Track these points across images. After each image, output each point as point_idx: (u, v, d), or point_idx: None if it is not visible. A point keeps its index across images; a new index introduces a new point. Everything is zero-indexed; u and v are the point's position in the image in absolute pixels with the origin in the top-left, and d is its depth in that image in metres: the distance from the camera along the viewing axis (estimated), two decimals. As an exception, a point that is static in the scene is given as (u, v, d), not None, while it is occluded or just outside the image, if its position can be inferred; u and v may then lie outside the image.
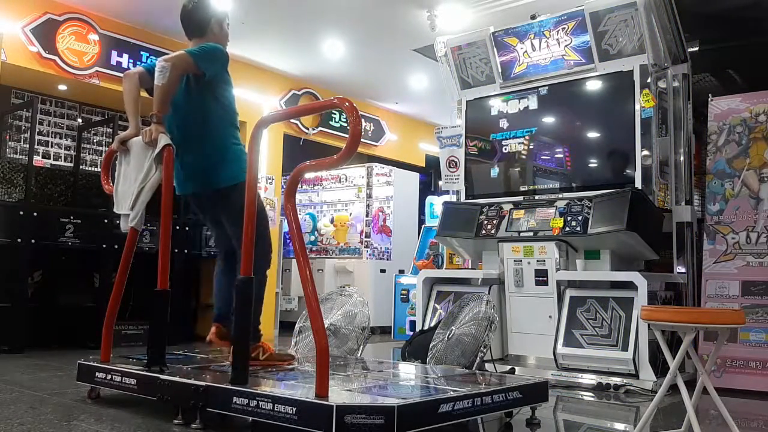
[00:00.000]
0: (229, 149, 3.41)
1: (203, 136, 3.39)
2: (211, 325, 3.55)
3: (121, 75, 3.48)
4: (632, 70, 4.43)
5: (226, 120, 3.48)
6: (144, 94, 3.45)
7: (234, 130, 3.52)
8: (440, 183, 5.75)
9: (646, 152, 4.34)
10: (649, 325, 2.75)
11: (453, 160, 5.44)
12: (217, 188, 3.37)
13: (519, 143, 4.98)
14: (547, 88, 4.88)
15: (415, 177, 9.16)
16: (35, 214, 5.19)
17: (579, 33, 4.64)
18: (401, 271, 7.96)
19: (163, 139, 3.16)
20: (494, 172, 5.11)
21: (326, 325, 3.50)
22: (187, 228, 6.08)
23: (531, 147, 4.94)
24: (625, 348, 3.99)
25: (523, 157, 4.97)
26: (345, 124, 8.11)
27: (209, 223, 3.70)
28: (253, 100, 7.12)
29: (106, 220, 5.44)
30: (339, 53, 6.83)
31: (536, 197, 4.76)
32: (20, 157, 6.32)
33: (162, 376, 2.84)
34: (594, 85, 4.70)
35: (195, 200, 3.57)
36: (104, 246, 5.41)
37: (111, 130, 6.65)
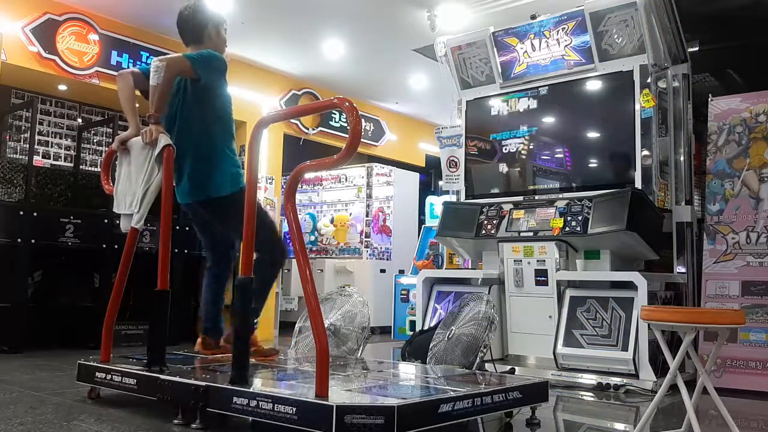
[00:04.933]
0: (223, 158, 3.42)
1: (198, 143, 3.39)
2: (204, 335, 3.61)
3: (116, 77, 3.48)
4: (632, 70, 4.43)
5: (221, 128, 3.47)
6: (138, 94, 3.45)
7: (229, 138, 3.51)
8: (440, 183, 5.75)
9: (646, 152, 4.34)
10: (649, 325, 2.75)
11: (453, 160, 5.44)
12: (212, 197, 3.39)
13: (519, 143, 4.98)
14: (547, 88, 4.88)
15: (415, 177, 9.15)
16: (35, 214, 5.19)
17: (579, 33, 4.64)
18: (401, 271, 7.96)
19: (163, 139, 3.16)
20: (494, 172, 5.12)
21: (326, 325, 3.51)
22: (187, 228, 6.07)
23: (531, 147, 4.94)
24: (625, 348, 3.99)
25: (523, 157, 4.97)
26: (345, 124, 8.11)
27: (203, 231, 3.70)
28: (252, 100, 7.12)
29: (106, 220, 5.43)
30: (339, 53, 6.83)
31: (536, 197, 4.76)
32: (20, 157, 6.32)
33: (162, 376, 2.84)
34: (594, 85, 4.70)
35: (190, 209, 3.57)
36: (104, 246, 5.41)
37: (111, 130, 6.66)
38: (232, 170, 3.41)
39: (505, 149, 5.04)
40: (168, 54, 3.72)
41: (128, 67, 5.92)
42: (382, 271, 8.30)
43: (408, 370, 3.49)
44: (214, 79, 3.41)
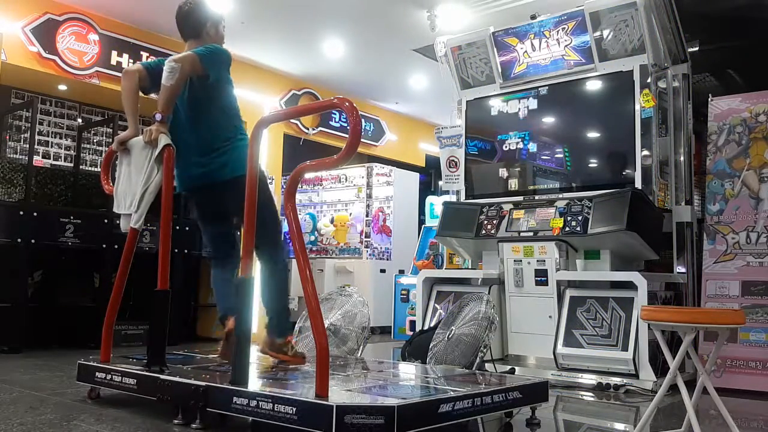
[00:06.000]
0: (235, 143, 3.44)
1: (211, 132, 3.41)
2: (221, 325, 3.53)
3: (121, 75, 3.48)
4: (632, 70, 4.43)
5: (232, 115, 3.51)
6: (141, 95, 3.46)
7: (240, 123, 3.54)
8: (440, 183, 5.75)
9: (646, 152, 4.34)
10: (649, 325, 2.75)
11: (453, 160, 5.44)
12: (227, 179, 3.37)
13: (519, 143, 4.98)
14: (547, 88, 4.88)
15: (415, 177, 9.15)
16: (35, 214, 5.19)
17: (579, 33, 4.64)
18: (401, 271, 7.95)
19: (164, 139, 3.16)
20: (494, 172, 5.12)
21: (326, 325, 3.50)
22: (187, 228, 6.07)
23: (531, 147, 4.94)
24: (625, 348, 3.99)
25: (523, 157, 4.97)
26: (345, 124, 8.11)
27: (209, 219, 3.67)
28: (253, 100, 7.12)
29: (106, 220, 5.43)
30: (339, 53, 6.83)
31: (536, 197, 4.76)
32: (20, 157, 6.32)
33: (162, 376, 2.84)
34: (594, 85, 4.70)
35: (200, 195, 3.55)
36: (104, 246, 5.41)
37: (111, 130, 6.66)
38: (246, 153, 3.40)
39: (505, 149, 5.04)
40: (168, 54, 3.72)
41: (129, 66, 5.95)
42: (382, 271, 8.30)
43: (408, 370, 3.49)
44: (221, 73, 3.44)
